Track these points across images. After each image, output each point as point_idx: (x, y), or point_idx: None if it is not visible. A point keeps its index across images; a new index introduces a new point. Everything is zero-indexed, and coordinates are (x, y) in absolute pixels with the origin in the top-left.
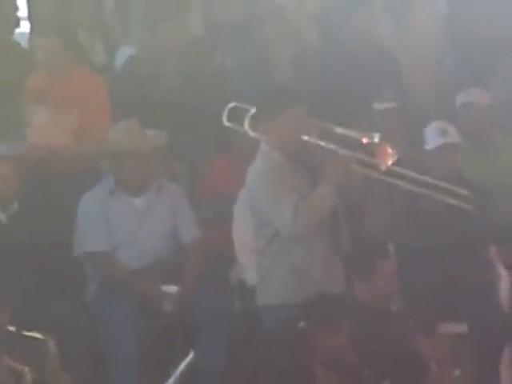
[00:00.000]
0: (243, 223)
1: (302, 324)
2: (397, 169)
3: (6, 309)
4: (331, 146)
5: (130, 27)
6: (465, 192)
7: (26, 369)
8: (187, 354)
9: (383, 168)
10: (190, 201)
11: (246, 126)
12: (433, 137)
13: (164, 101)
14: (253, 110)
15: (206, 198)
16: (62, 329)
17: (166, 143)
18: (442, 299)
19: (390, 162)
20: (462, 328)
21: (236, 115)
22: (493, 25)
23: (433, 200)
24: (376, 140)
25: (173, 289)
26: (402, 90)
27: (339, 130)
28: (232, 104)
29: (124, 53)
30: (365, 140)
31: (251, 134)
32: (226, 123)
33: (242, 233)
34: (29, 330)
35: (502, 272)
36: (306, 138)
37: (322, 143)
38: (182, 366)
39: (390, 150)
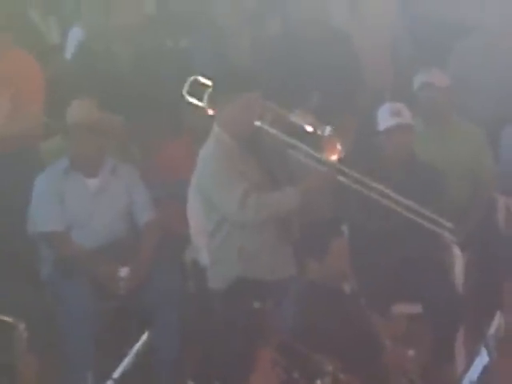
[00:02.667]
0: (195, 205)
1: (256, 305)
2: (342, 167)
3: None
4: (281, 135)
5: (84, 6)
6: (413, 204)
7: None
8: (142, 334)
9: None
10: (144, 182)
11: (205, 102)
12: (385, 118)
13: (118, 82)
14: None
15: (158, 179)
16: (21, 310)
17: (121, 124)
18: (396, 280)
19: (335, 158)
20: (416, 309)
21: (196, 91)
22: (449, 6)
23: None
24: (326, 133)
25: (125, 271)
26: (356, 73)
27: (293, 118)
28: (193, 77)
29: (76, 33)
30: (315, 131)
31: (209, 111)
32: (186, 96)
33: (195, 214)
34: None
35: (456, 252)
36: (258, 123)
37: (273, 131)
38: (137, 346)
39: (338, 146)
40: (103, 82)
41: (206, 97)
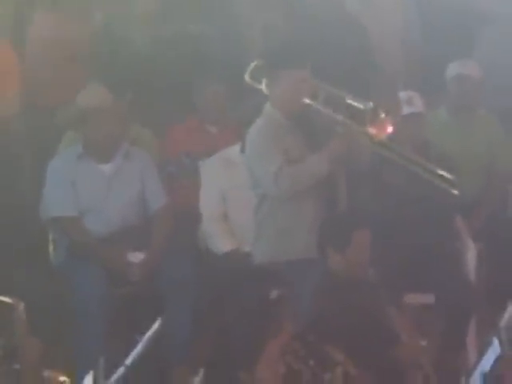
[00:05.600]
0: (210, 191)
1: (274, 294)
2: (389, 142)
3: None
4: (329, 112)
5: None
6: (452, 177)
7: None
8: (155, 321)
9: (377, 139)
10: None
11: (264, 85)
12: None
13: (133, 66)
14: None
15: (170, 157)
16: (28, 293)
17: (132, 106)
18: (409, 270)
19: (384, 135)
20: (428, 298)
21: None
22: None
23: (399, 172)
24: (370, 108)
25: (138, 256)
26: (370, 61)
27: (345, 97)
28: (255, 62)
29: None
30: (359, 106)
31: (267, 92)
32: (248, 80)
33: (209, 201)
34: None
35: (469, 243)
36: (307, 101)
37: (321, 108)
38: (150, 332)
39: (389, 125)
40: (119, 64)
41: (264, 79)
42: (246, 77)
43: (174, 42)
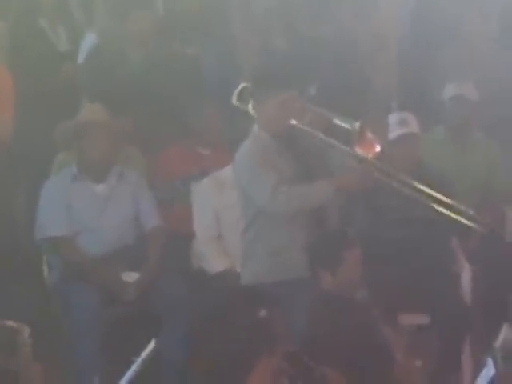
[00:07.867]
0: (203, 212)
1: (263, 313)
2: (377, 163)
3: None
4: (318, 134)
5: (94, 14)
6: (447, 199)
7: None
8: (149, 342)
9: (365, 159)
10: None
11: (250, 106)
12: (392, 127)
13: (128, 85)
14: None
15: (162, 179)
16: (28, 316)
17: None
18: (404, 291)
19: (371, 155)
20: (423, 319)
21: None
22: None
23: (394, 192)
24: (356, 128)
25: (133, 276)
26: (363, 80)
27: (331, 118)
28: (243, 84)
29: (90, 38)
30: (343, 125)
31: (253, 114)
32: (235, 103)
33: (202, 221)
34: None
35: (465, 264)
36: (294, 122)
37: (309, 129)
38: (144, 354)
39: (375, 144)
40: (114, 85)
41: (251, 101)
42: (234, 99)
43: (168, 62)
